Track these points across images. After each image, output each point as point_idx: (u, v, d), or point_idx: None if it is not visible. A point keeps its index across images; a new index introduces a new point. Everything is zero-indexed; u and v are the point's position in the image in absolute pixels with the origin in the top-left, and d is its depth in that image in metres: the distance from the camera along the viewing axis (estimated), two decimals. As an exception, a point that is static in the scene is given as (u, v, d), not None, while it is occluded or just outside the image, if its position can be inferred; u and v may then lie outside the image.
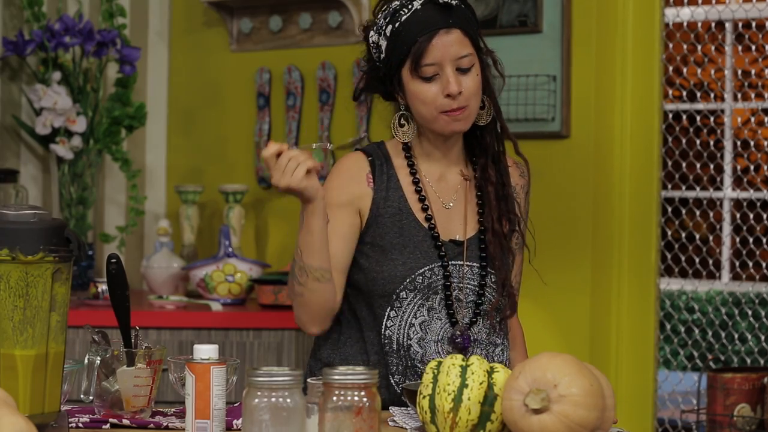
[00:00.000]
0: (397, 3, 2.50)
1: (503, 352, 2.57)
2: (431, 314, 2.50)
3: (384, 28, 2.50)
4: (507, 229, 2.55)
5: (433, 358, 2.46)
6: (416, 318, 2.49)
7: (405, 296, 2.49)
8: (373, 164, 2.55)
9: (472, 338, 2.51)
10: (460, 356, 2.01)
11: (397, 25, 2.47)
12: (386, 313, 2.50)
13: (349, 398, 1.84)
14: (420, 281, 2.49)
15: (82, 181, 4.14)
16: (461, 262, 2.52)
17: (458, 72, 2.47)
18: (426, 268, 2.49)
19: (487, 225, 2.54)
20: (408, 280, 2.48)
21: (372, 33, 2.53)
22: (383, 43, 2.50)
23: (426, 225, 2.52)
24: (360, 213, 2.52)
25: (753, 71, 4.51)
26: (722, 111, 4.54)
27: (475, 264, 2.53)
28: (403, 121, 2.55)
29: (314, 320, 2.50)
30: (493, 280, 2.53)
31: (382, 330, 2.50)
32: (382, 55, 2.51)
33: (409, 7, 2.48)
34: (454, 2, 2.48)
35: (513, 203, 2.58)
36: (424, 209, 2.53)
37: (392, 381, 2.49)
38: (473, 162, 2.61)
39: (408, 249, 2.50)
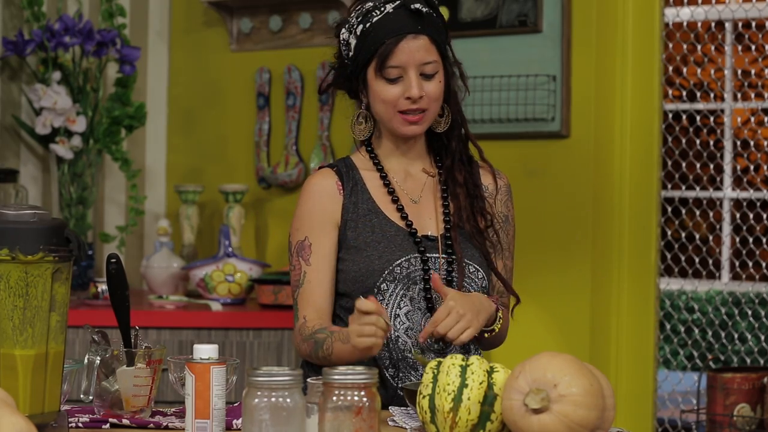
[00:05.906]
0: (371, 4, 2.56)
1: (477, 350, 2.60)
2: (413, 304, 2.53)
3: (355, 27, 2.57)
4: (483, 225, 2.60)
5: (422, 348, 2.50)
6: (400, 309, 2.52)
7: (386, 288, 2.51)
8: (340, 173, 2.61)
9: None
10: (460, 356, 2.01)
11: (367, 25, 2.55)
12: None
13: (348, 398, 1.84)
14: (399, 271, 2.52)
15: (82, 180, 4.14)
16: (437, 255, 2.55)
17: (422, 77, 2.54)
18: (403, 259, 2.53)
19: (454, 223, 2.59)
20: (387, 272, 2.52)
21: (343, 30, 2.60)
22: (353, 42, 2.58)
23: (399, 221, 2.57)
24: (338, 225, 2.57)
25: (753, 71, 4.51)
26: (722, 111, 4.54)
27: (449, 257, 2.57)
28: (361, 119, 2.63)
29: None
30: (457, 273, 2.56)
31: None
32: (351, 53, 2.59)
33: (382, 9, 2.55)
34: (425, 9, 2.55)
35: (485, 202, 2.63)
36: (394, 201, 2.58)
37: (387, 375, 2.51)
38: (437, 161, 2.66)
39: (382, 244, 2.54)
